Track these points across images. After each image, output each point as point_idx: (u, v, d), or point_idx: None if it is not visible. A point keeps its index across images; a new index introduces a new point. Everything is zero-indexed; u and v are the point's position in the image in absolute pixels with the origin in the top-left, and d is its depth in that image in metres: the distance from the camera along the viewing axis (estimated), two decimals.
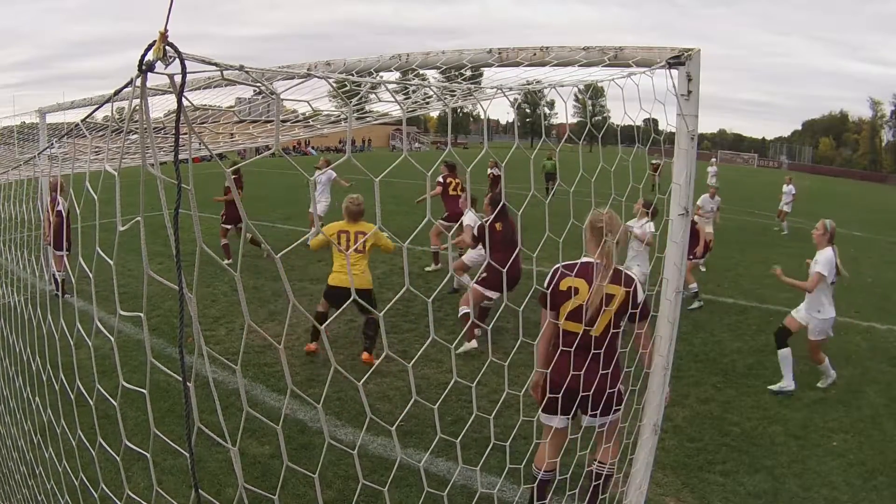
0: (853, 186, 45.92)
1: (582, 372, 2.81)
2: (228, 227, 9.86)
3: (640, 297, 2.94)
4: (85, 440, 1.72)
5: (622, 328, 2.97)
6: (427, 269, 9.65)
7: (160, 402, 4.56)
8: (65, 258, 6.88)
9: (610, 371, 2.89)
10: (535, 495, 3.27)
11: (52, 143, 2.17)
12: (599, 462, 3.11)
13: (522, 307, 1.85)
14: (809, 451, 4.40)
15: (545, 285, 3.02)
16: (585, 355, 2.84)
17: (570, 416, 3.07)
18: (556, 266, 3.02)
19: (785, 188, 16.58)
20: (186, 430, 1.07)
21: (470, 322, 6.27)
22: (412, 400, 1.65)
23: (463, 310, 6.39)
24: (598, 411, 2.91)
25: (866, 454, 4.37)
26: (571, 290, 2.97)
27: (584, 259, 3.01)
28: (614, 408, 2.97)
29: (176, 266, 1.00)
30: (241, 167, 10.33)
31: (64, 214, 6.92)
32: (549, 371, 2.96)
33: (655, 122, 2.28)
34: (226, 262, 9.20)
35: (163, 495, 1.37)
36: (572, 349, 2.79)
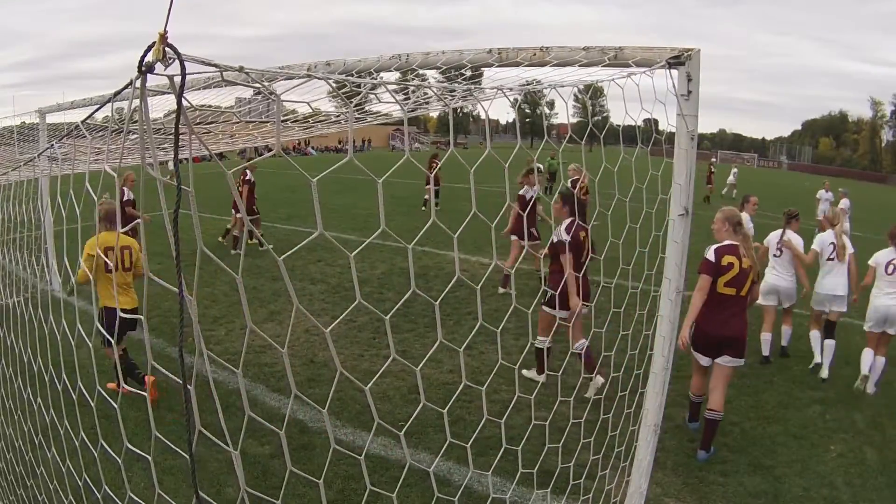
0: (853, 186, 45.85)
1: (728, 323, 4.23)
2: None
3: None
4: (87, 441, 1.73)
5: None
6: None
7: (160, 402, 4.56)
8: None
9: (743, 322, 4.28)
10: (689, 415, 4.66)
11: (52, 144, 2.17)
12: (712, 409, 4.24)
13: (532, 309, 1.85)
14: (809, 451, 4.40)
15: (712, 258, 4.25)
16: (733, 311, 4.23)
17: (713, 358, 4.32)
18: (714, 246, 4.31)
19: (825, 194, 15.72)
20: (188, 433, 1.07)
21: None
22: (421, 404, 1.65)
23: (542, 343, 5.22)
24: (733, 353, 4.24)
25: (866, 454, 4.37)
26: (730, 265, 4.20)
27: (728, 242, 4.31)
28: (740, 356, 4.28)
29: (176, 267, 1.00)
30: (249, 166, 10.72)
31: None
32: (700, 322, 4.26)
33: (656, 122, 2.28)
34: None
35: (163, 496, 1.37)
36: (723, 307, 4.20)
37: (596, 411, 2.85)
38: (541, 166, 8.77)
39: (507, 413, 2.56)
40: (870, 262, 5.72)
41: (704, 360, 4.39)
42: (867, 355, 5.51)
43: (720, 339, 4.25)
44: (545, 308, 5.18)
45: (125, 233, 7.52)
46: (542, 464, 2.69)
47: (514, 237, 8.03)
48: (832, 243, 5.97)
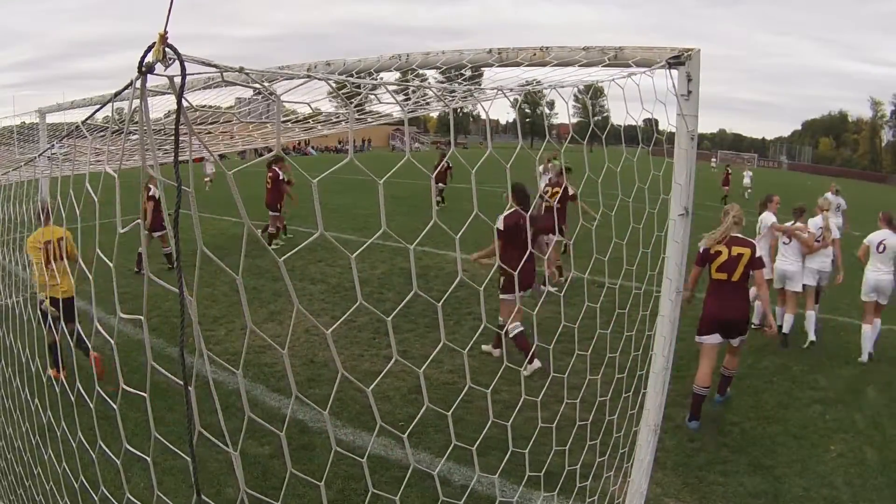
0: (853, 186, 45.90)
1: (727, 306, 4.72)
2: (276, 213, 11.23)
3: (759, 253, 4.81)
4: (85, 441, 1.72)
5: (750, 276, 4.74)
6: None
7: (159, 402, 4.55)
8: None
9: (742, 304, 4.80)
10: (690, 414, 4.71)
11: (53, 144, 2.17)
12: (727, 367, 5.04)
13: (535, 310, 1.84)
14: (809, 451, 4.40)
15: (701, 250, 4.79)
16: (730, 294, 4.70)
17: (721, 337, 4.78)
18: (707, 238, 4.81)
19: (830, 197, 15.57)
20: (188, 434, 1.07)
21: (529, 342, 5.50)
22: (424, 406, 1.65)
23: (516, 328, 5.59)
24: (737, 333, 4.78)
25: (866, 454, 4.37)
26: (718, 253, 4.73)
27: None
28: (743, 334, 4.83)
29: (176, 267, 1.00)
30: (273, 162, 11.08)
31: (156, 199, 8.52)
32: (706, 307, 4.80)
33: (656, 122, 2.28)
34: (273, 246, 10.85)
35: (162, 497, 1.37)
36: (720, 291, 4.72)
37: (600, 412, 2.85)
38: (569, 165, 9.06)
39: (513, 415, 2.55)
40: (865, 240, 6.58)
41: (710, 340, 4.78)
42: (865, 330, 6.40)
43: (722, 322, 4.71)
44: (502, 296, 5.57)
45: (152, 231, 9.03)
46: (542, 464, 2.68)
47: (549, 235, 8.15)
48: (821, 227, 6.90)
